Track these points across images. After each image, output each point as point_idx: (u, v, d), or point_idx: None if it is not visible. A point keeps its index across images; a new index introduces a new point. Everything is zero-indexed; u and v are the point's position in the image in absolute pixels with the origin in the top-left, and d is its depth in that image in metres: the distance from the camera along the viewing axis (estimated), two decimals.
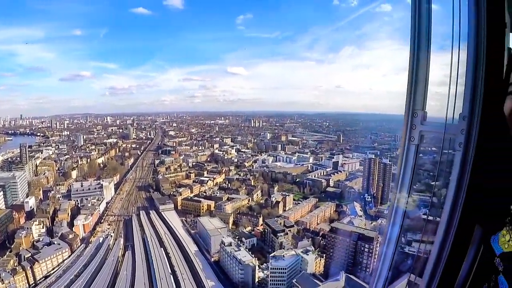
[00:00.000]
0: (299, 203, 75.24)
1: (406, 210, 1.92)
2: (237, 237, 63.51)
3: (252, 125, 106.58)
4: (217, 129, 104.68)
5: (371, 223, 59.98)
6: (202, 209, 73.16)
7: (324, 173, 79.13)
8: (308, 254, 56.68)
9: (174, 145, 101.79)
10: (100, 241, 65.69)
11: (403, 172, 1.88)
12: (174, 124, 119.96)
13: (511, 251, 1.23)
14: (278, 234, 62.25)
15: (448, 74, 1.72)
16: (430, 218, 1.87)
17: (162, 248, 64.83)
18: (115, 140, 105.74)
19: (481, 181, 1.46)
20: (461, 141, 1.53)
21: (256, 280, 56.18)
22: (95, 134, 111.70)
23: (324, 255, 57.82)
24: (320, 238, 61.65)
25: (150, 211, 77.63)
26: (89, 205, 74.50)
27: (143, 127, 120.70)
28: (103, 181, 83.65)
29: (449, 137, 1.66)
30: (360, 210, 65.73)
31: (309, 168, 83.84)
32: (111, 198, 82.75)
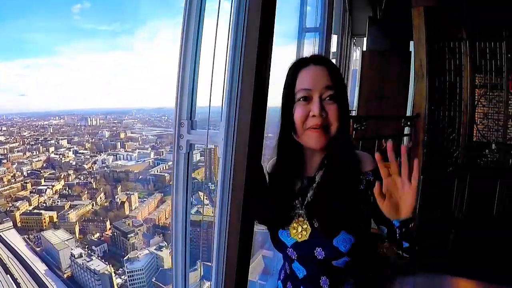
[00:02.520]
0: (144, 201, 72.41)
1: (187, 214, 2.15)
2: (86, 247, 59.94)
3: (89, 124, 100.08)
4: (51, 131, 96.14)
5: None
6: (45, 222, 64.47)
7: (167, 167, 77.43)
8: (162, 250, 56.31)
9: (5, 152, 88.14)
10: None
11: (176, 180, 1.96)
12: (4, 128, 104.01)
13: (304, 240, 1.43)
14: (129, 236, 60.53)
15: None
16: (206, 218, 2.04)
17: (8, 275, 57.42)
18: None
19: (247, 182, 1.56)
20: (223, 146, 1.64)
21: (116, 287, 54.04)
22: None
23: None
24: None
25: None
26: None
27: None
28: None
29: (213, 144, 1.75)
30: (206, 198, 65.19)
31: (151, 164, 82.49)
32: None
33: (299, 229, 1.46)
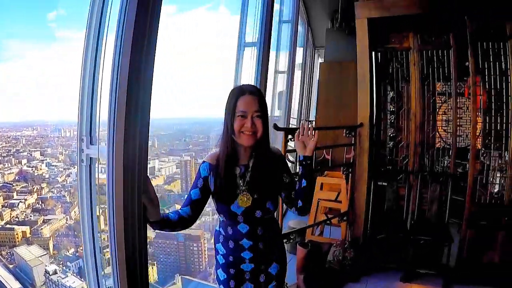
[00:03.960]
0: None
1: (93, 224, 2.23)
2: (61, 263, 57.90)
3: (62, 135, 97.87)
4: (24, 142, 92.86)
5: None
6: (17, 238, 61.91)
7: None
8: None
9: None
10: None
11: (80, 192, 2.05)
12: None
13: (248, 205, 2.12)
14: (104, 251, 58.96)
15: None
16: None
17: None
18: None
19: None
20: (106, 160, 1.71)
21: None
22: None
23: (156, 262, 56.90)
24: (148, 246, 60.44)
25: None
26: None
27: None
28: None
29: (104, 155, 1.79)
30: None
31: None
32: None
33: (245, 199, 2.14)
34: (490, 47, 4.48)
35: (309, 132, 2.19)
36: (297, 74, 8.34)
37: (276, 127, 3.83)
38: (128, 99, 1.53)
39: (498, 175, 4.74)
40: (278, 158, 2.27)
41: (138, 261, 1.84)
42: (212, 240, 2.39)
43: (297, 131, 2.22)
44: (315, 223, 4.49)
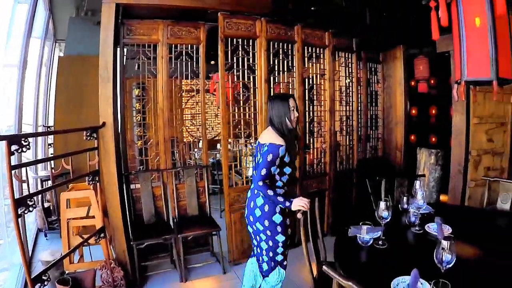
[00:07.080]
0: None
1: None
2: None
3: None
4: None
5: None
6: None
7: None
8: None
9: None
10: None
11: None
12: None
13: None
14: None
15: None
16: None
17: None
18: None
19: None
20: None
21: None
22: None
23: None
24: None
25: None
26: None
27: None
28: None
29: None
30: None
31: None
32: None
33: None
34: (240, 43, 4.71)
35: None
36: (33, 71, 7.08)
37: None
38: None
39: (251, 159, 5.06)
40: None
41: None
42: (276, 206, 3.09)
43: None
44: (70, 250, 3.61)
